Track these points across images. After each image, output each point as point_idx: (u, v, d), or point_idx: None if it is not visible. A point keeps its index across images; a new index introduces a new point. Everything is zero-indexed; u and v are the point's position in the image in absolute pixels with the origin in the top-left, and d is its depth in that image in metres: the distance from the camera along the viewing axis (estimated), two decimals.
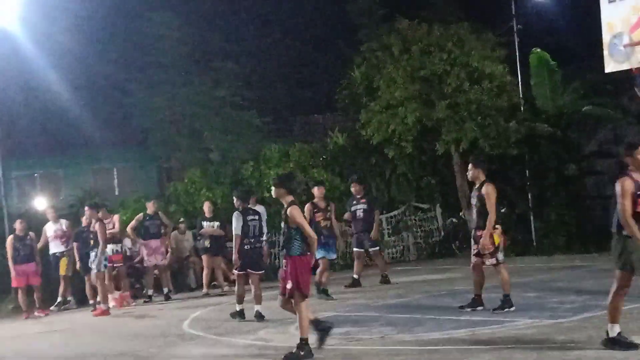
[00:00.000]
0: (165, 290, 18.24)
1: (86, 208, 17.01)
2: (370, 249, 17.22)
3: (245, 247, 13.22)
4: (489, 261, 11.50)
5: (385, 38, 22.60)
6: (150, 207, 18.68)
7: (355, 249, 17.32)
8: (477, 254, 11.64)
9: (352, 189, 17.47)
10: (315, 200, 15.52)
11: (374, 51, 22.79)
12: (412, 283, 16.74)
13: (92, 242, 16.49)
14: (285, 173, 10.16)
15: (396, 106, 21.58)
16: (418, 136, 21.97)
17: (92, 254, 16.38)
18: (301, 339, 9.46)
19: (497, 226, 11.53)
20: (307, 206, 14.86)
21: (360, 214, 17.09)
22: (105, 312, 16.17)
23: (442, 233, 23.69)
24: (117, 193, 28.83)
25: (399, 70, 21.50)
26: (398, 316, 12.03)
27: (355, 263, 17.14)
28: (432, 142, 22.15)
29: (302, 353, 9.35)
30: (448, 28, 21.95)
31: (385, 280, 17.08)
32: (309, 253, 9.67)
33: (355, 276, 16.85)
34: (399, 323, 11.25)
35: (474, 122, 21.29)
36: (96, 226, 16.30)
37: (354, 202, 17.25)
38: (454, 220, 23.34)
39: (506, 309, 11.30)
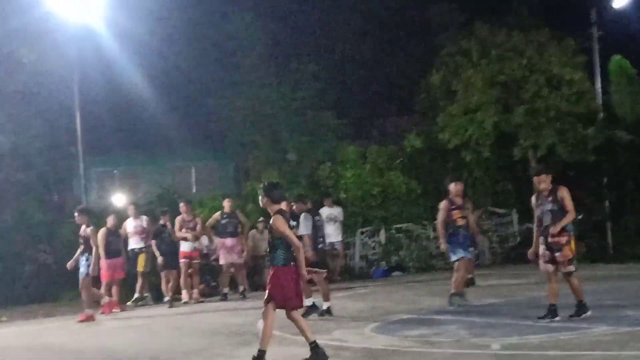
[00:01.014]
0: (241, 288, 18.37)
1: (76, 213, 16.52)
2: None
3: (319, 247, 13.42)
4: (567, 268, 11.31)
5: (465, 43, 22.62)
6: (227, 206, 18.90)
7: None
8: (552, 261, 11.36)
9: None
10: (451, 196, 14.21)
11: (453, 55, 22.81)
12: (488, 287, 16.68)
13: (82, 246, 16.01)
14: (270, 182, 10.09)
15: (474, 111, 21.60)
16: (495, 141, 21.92)
17: (83, 258, 15.94)
18: (259, 351, 9.45)
19: (571, 233, 11.40)
20: (444, 203, 14.10)
21: None
22: (90, 318, 15.78)
23: (518, 238, 23.53)
24: (194, 191, 29.25)
25: (478, 75, 21.50)
26: (473, 320, 12.03)
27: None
28: (509, 147, 22.06)
29: None
30: (528, 34, 21.88)
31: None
32: (292, 263, 9.57)
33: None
34: (474, 327, 11.26)
35: (552, 128, 21.16)
36: (88, 231, 15.97)
37: None
38: (531, 225, 23.13)
39: (583, 315, 11.20)
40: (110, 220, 18.17)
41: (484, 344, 9.87)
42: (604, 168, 22.27)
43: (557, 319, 11.19)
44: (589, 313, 11.18)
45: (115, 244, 17.92)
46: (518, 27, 22.45)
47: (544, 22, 23.27)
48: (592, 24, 23.25)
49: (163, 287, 18.22)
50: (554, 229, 11.15)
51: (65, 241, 21.07)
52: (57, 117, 23.51)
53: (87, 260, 15.86)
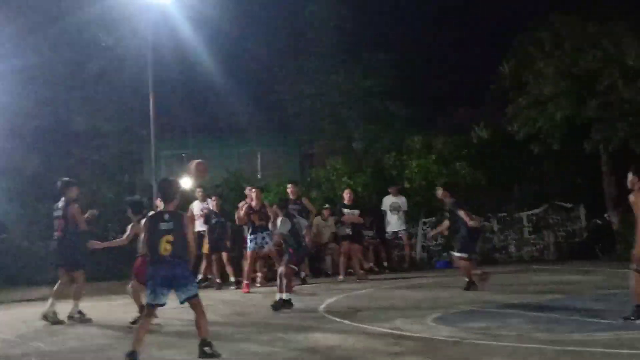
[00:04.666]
0: (302, 274, 18.47)
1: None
2: None
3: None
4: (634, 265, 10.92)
5: (537, 33, 22.27)
6: (291, 191, 18.96)
7: None
8: None
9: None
10: None
11: (524, 45, 22.49)
12: (553, 283, 16.45)
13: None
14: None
15: (545, 102, 21.27)
16: (566, 134, 21.58)
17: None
18: None
19: None
20: None
21: None
22: None
23: (585, 233, 23.12)
24: (259, 177, 29.42)
25: (550, 66, 21.16)
26: (537, 314, 11.87)
27: None
28: (580, 140, 21.69)
29: None
30: (604, 25, 21.40)
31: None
32: None
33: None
34: (538, 321, 11.11)
35: (625, 122, 20.73)
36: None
37: None
38: (599, 221, 22.78)
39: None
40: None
41: (547, 338, 9.74)
42: None
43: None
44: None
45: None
46: (594, 17, 22.00)
47: (623, 12, 22.74)
48: None
49: (214, 269, 18.50)
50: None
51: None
52: (132, 100, 23.98)
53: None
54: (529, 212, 23.23)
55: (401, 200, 21.09)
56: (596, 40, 21.16)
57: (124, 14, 22.37)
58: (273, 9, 29.15)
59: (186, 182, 26.09)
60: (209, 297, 16.29)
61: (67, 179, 13.59)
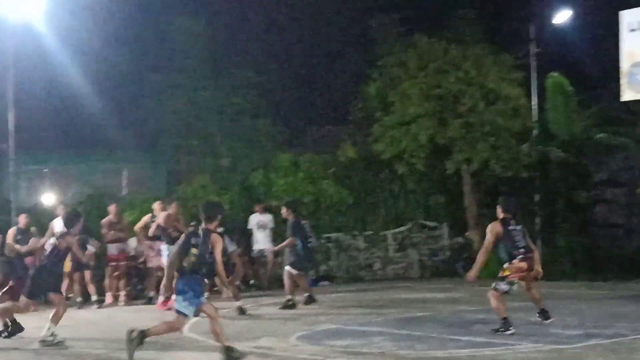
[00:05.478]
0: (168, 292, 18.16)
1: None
2: None
3: None
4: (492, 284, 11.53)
5: (403, 54, 22.67)
6: (157, 209, 18.62)
7: None
8: None
9: None
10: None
11: (390, 66, 22.86)
12: (416, 301, 16.71)
13: None
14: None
15: (409, 123, 21.66)
16: (429, 154, 22.00)
17: None
18: None
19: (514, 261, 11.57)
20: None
21: None
22: None
23: (448, 252, 23.64)
24: (124, 193, 28.83)
25: (414, 87, 21.57)
26: (400, 332, 12.00)
27: None
28: (443, 160, 22.15)
29: None
30: (466, 48, 22.00)
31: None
32: None
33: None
34: (400, 339, 11.22)
35: (486, 142, 21.30)
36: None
37: None
38: (460, 240, 23.31)
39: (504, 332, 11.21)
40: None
41: (409, 356, 9.83)
42: (536, 185, 22.47)
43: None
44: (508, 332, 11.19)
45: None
46: (457, 41, 22.57)
47: (483, 36, 23.44)
48: (530, 40, 23.50)
49: (75, 287, 17.99)
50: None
51: None
52: None
53: None
54: (394, 231, 23.54)
55: (268, 218, 21.01)
56: (458, 63, 21.71)
57: None
58: (141, 23, 28.80)
59: (47, 198, 25.44)
60: (69, 317, 15.79)
61: (74, 210, 13.69)
